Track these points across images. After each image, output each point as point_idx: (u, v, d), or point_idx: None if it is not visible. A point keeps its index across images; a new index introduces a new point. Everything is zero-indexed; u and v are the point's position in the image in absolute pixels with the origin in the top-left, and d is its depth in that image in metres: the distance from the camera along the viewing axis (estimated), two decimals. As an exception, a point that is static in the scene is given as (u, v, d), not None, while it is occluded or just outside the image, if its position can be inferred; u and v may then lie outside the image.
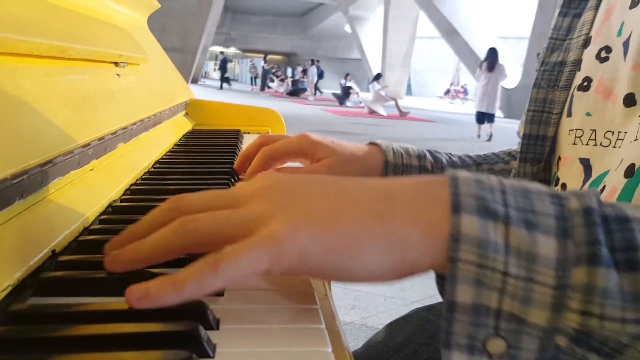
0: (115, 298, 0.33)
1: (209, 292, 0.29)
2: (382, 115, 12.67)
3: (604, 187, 0.48)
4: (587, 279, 0.27)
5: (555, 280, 0.27)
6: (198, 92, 1.31)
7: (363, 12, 25.90)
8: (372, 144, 0.69)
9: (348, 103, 16.28)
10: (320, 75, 20.45)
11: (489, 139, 8.87)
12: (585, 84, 0.55)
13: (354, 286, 2.15)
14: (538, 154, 0.61)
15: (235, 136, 1.00)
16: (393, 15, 20.65)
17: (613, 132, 0.50)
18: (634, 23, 0.49)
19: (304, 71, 20.96)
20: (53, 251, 0.37)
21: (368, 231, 0.30)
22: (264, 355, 0.28)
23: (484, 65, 8.88)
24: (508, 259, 0.28)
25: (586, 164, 0.53)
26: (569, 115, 0.57)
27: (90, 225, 0.45)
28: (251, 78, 29.06)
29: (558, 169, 0.58)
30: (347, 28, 27.96)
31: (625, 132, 0.48)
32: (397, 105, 12.95)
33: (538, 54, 0.64)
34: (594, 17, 0.58)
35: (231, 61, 42.82)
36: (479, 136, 9.08)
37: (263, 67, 23.91)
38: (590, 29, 0.58)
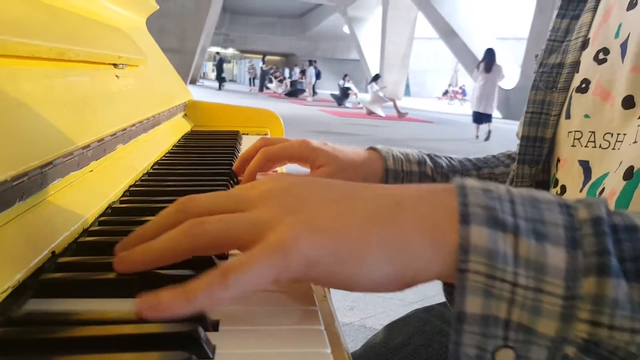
0: (115, 299, 0.33)
1: (219, 304, 0.29)
2: (380, 116, 12.66)
3: (603, 189, 0.48)
4: (597, 289, 0.27)
5: (565, 291, 0.27)
6: (197, 93, 1.31)
7: (361, 13, 25.89)
8: (372, 149, 0.69)
9: (347, 104, 16.28)
10: (318, 76, 20.46)
11: (487, 138, 8.88)
12: (583, 85, 0.55)
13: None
14: (536, 155, 0.61)
15: (234, 137, 1.00)
16: (391, 16, 20.65)
17: (612, 134, 0.50)
18: (631, 25, 0.50)
19: (303, 72, 20.95)
20: (53, 252, 0.37)
21: (375, 240, 0.30)
22: (263, 356, 0.28)
23: (482, 65, 8.89)
24: (517, 270, 0.28)
25: (586, 166, 0.53)
26: (568, 117, 0.57)
27: (90, 226, 0.45)
28: (250, 79, 29.05)
29: (557, 170, 0.59)
30: (346, 29, 27.97)
31: (624, 134, 0.48)
32: (395, 106, 12.95)
33: (536, 56, 0.64)
34: (592, 19, 0.58)
35: (229, 62, 42.83)
36: (477, 137, 9.09)
37: (262, 68, 23.91)
38: (588, 30, 0.58)
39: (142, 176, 0.65)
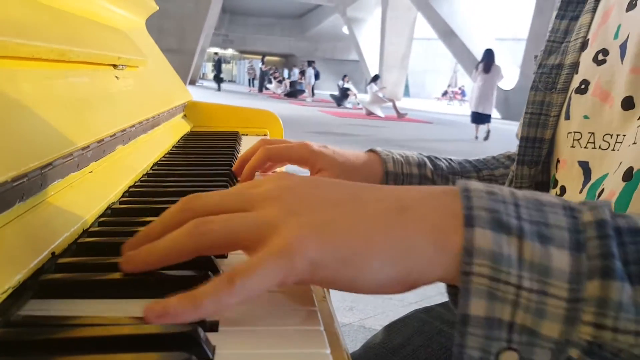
0: (115, 300, 0.33)
1: (226, 309, 0.29)
2: (379, 117, 12.66)
3: (603, 190, 0.48)
4: (601, 292, 0.27)
5: (569, 294, 0.27)
6: (196, 94, 1.31)
7: (361, 14, 25.90)
8: (371, 151, 0.69)
9: (346, 104, 16.29)
10: (316, 76, 20.46)
11: (486, 138, 8.89)
12: (582, 86, 0.55)
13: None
14: (536, 156, 0.61)
15: (233, 138, 1.01)
16: (391, 17, 20.65)
17: (611, 135, 0.50)
18: (630, 26, 0.50)
19: (302, 72, 20.96)
20: (53, 253, 0.37)
21: (379, 243, 0.30)
22: (262, 356, 0.28)
23: (480, 66, 8.90)
24: (521, 273, 0.28)
25: (585, 167, 0.53)
26: (567, 118, 0.57)
27: (90, 227, 0.45)
28: (249, 79, 29.07)
29: (557, 171, 0.59)
30: (345, 30, 27.97)
31: (624, 135, 0.48)
32: (394, 106, 12.95)
33: (535, 57, 0.64)
34: (592, 20, 0.58)
35: (229, 62, 42.84)
36: (476, 137, 9.10)
37: (261, 68, 23.91)
38: (587, 31, 0.58)
39: (142, 177, 0.65)
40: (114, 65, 0.74)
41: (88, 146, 0.52)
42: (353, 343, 1.80)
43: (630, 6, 0.51)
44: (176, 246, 0.33)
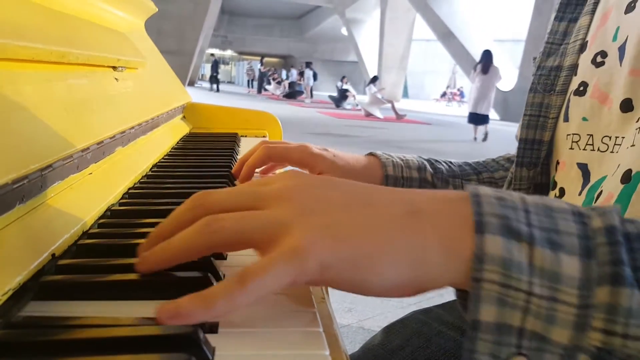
0: (115, 301, 0.33)
1: (238, 309, 0.29)
2: (378, 118, 12.67)
3: (601, 192, 0.48)
4: (610, 299, 0.27)
5: (579, 300, 0.28)
6: (195, 95, 1.31)
7: (360, 15, 25.91)
8: (371, 155, 0.69)
9: (346, 106, 16.29)
10: (314, 78, 20.48)
11: (485, 139, 8.90)
12: (581, 88, 0.55)
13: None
14: (534, 158, 0.61)
15: (232, 139, 1.01)
16: (389, 18, 20.67)
17: (610, 137, 0.50)
18: (629, 28, 0.50)
19: (301, 74, 20.96)
20: (53, 255, 0.37)
21: (390, 247, 0.30)
22: (262, 358, 0.29)
23: (479, 67, 8.92)
24: (532, 279, 0.28)
25: (584, 169, 0.53)
26: (566, 119, 0.57)
27: (90, 229, 0.45)
28: (248, 81, 29.08)
29: (556, 172, 0.59)
30: (344, 31, 27.97)
31: (623, 138, 0.48)
32: (393, 107, 12.96)
33: (534, 58, 0.65)
34: (590, 22, 0.58)
35: (227, 64, 42.84)
36: (475, 139, 9.10)
37: (260, 69, 23.90)
38: (586, 33, 0.58)
39: (141, 178, 0.65)
40: (114, 67, 0.74)
41: (88, 148, 0.52)
42: (352, 344, 1.80)
43: (629, 8, 0.51)
44: (188, 244, 0.33)
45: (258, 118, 1.18)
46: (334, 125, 10.33)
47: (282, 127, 1.19)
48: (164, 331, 0.28)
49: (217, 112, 1.18)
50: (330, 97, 17.43)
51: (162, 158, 0.79)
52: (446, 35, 16.90)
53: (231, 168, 0.71)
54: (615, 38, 0.52)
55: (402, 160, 0.68)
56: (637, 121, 0.46)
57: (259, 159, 0.63)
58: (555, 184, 0.58)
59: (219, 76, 24.05)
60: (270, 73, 24.02)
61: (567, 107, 0.57)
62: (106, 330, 0.29)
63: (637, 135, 0.45)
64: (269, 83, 23.05)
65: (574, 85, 0.57)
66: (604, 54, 0.53)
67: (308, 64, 20.78)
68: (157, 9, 1.18)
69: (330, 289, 0.42)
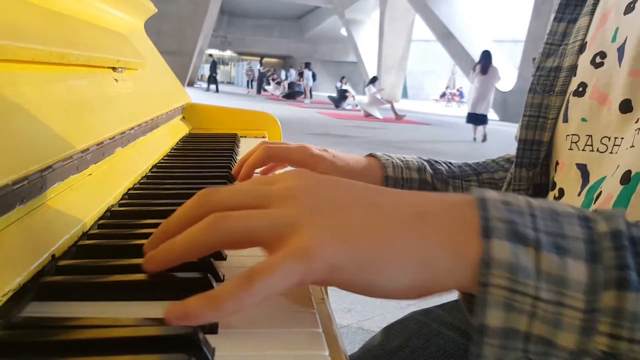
0: (115, 302, 0.33)
1: (245, 309, 0.29)
2: (378, 118, 12.66)
3: (600, 193, 0.48)
4: (616, 303, 0.27)
5: (585, 304, 0.28)
6: (194, 95, 1.31)
7: (359, 16, 25.93)
8: (371, 155, 0.69)
9: (345, 106, 16.29)
10: (313, 78, 20.48)
11: (484, 139, 8.90)
12: (580, 89, 0.55)
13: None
14: (534, 158, 0.61)
15: (232, 140, 1.01)
16: (389, 19, 20.69)
17: (609, 138, 0.50)
18: (628, 29, 0.50)
19: (301, 74, 20.96)
20: (53, 256, 0.37)
21: (397, 250, 0.30)
22: (261, 358, 0.29)
23: (478, 67, 8.92)
24: (539, 284, 0.28)
25: (583, 170, 0.53)
26: (565, 120, 0.57)
27: (89, 229, 0.45)
28: (248, 81, 29.08)
29: (556, 173, 0.59)
30: (343, 31, 27.99)
31: (622, 138, 0.48)
32: (393, 108, 12.96)
33: (534, 59, 0.65)
34: (590, 23, 0.58)
35: (227, 64, 42.82)
36: (474, 139, 9.11)
37: (259, 70, 23.90)
38: (585, 34, 0.58)
39: (141, 179, 0.65)
40: (113, 68, 0.74)
41: (87, 149, 0.52)
42: (351, 345, 1.80)
43: (629, 9, 0.51)
44: (195, 242, 0.33)
45: (257, 118, 1.18)
46: (333, 125, 10.33)
47: (282, 127, 1.19)
48: (163, 332, 0.28)
49: (216, 112, 1.18)
50: (330, 97, 17.43)
51: (162, 159, 0.79)
52: (445, 36, 16.91)
53: (231, 169, 0.71)
54: (614, 39, 0.52)
55: (402, 161, 0.68)
56: (636, 122, 0.46)
57: (259, 159, 0.63)
58: (554, 184, 0.59)
59: (218, 77, 24.00)
60: (269, 73, 24.01)
61: (567, 107, 0.57)
62: (106, 330, 0.29)
63: (637, 136, 0.45)
64: (269, 83, 23.04)
65: (573, 86, 0.57)
66: (603, 54, 0.53)
67: (307, 65, 20.78)
68: (156, 10, 1.18)
69: (329, 290, 0.42)
